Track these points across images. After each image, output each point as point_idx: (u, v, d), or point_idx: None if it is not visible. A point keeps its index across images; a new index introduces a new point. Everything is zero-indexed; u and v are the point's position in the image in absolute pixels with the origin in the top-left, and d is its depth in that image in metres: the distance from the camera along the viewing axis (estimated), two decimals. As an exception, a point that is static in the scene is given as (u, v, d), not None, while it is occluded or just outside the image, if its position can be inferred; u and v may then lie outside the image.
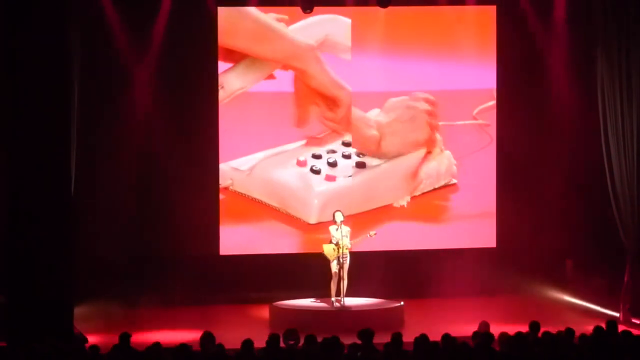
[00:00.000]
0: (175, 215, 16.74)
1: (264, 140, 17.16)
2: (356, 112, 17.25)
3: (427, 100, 17.31)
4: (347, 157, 17.33)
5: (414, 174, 17.40)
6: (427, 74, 17.37)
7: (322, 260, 15.53)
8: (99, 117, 16.44)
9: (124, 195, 16.77)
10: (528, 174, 17.59)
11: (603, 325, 11.07)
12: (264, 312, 15.82)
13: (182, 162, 16.81)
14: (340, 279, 15.37)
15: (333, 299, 15.49)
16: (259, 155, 17.16)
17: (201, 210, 17.02)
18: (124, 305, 16.17)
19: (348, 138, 17.28)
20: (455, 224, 17.51)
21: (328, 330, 11.38)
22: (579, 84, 17.09)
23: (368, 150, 17.32)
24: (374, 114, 17.32)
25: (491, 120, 17.52)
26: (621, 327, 11.49)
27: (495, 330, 11.07)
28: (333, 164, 17.28)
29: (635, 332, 11.13)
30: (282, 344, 10.69)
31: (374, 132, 17.28)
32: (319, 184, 17.21)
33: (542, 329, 11.00)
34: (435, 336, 10.61)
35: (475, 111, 17.51)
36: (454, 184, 17.53)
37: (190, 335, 11.28)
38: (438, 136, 17.40)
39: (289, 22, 17.06)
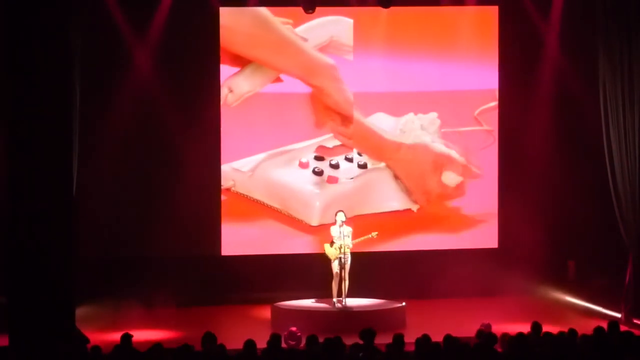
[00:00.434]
0: (178, 216, 16.74)
1: (266, 142, 17.16)
2: (373, 130, 17.26)
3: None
4: (349, 160, 17.34)
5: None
6: (428, 74, 17.37)
7: (323, 261, 15.53)
8: (100, 117, 16.46)
9: (126, 195, 16.78)
10: (530, 175, 17.58)
11: (604, 325, 11.06)
12: (266, 313, 15.81)
13: (184, 163, 16.82)
14: (341, 279, 15.36)
15: (334, 299, 15.49)
16: (261, 156, 17.17)
17: (203, 211, 17.04)
18: (126, 305, 16.17)
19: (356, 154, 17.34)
20: (457, 225, 17.51)
21: (329, 331, 11.39)
22: (581, 84, 17.09)
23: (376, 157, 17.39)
24: (403, 122, 17.31)
25: (493, 120, 17.52)
26: (623, 328, 11.47)
27: (497, 330, 11.07)
28: (335, 166, 17.28)
29: (636, 332, 11.12)
30: (283, 345, 10.69)
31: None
32: (321, 185, 17.22)
33: (544, 330, 11.00)
34: (437, 337, 10.59)
35: (477, 112, 17.51)
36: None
37: (191, 336, 11.25)
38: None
39: (293, 25, 17.05)
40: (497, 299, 16.75)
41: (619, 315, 15.64)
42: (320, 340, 10.46)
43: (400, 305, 15.62)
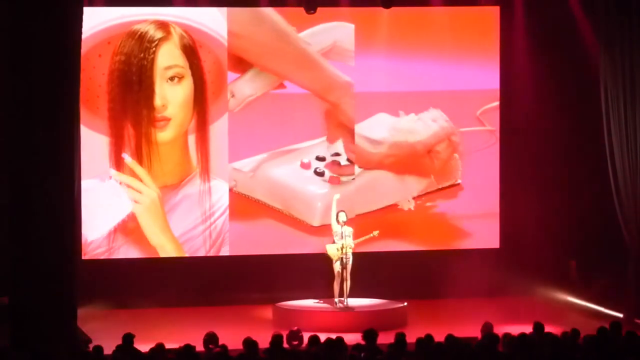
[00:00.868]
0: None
1: (268, 142, 17.15)
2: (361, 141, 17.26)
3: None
4: (351, 160, 17.34)
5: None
6: (430, 75, 17.36)
7: (325, 261, 15.52)
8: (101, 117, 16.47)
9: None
10: (532, 175, 17.57)
11: (607, 326, 11.04)
12: (267, 313, 15.81)
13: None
14: (343, 279, 15.36)
15: (336, 299, 15.48)
16: (263, 156, 17.15)
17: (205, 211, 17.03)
18: (128, 305, 16.17)
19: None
20: (458, 224, 17.50)
21: (331, 331, 11.38)
22: (582, 83, 17.08)
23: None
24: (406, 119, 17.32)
25: (495, 120, 17.51)
26: (625, 328, 11.45)
27: (499, 331, 11.05)
28: (321, 159, 17.27)
29: (639, 332, 11.09)
30: (285, 345, 10.69)
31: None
32: (322, 186, 17.21)
33: (546, 330, 10.98)
34: (439, 337, 10.59)
35: (479, 112, 17.51)
36: (458, 184, 17.53)
37: (193, 336, 11.24)
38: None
39: (296, 30, 17.02)
40: (499, 299, 16.75)
41: (620, 315, 15.62)
42: (322, 340, 10.46)
43: (402, 305, 15.62)
